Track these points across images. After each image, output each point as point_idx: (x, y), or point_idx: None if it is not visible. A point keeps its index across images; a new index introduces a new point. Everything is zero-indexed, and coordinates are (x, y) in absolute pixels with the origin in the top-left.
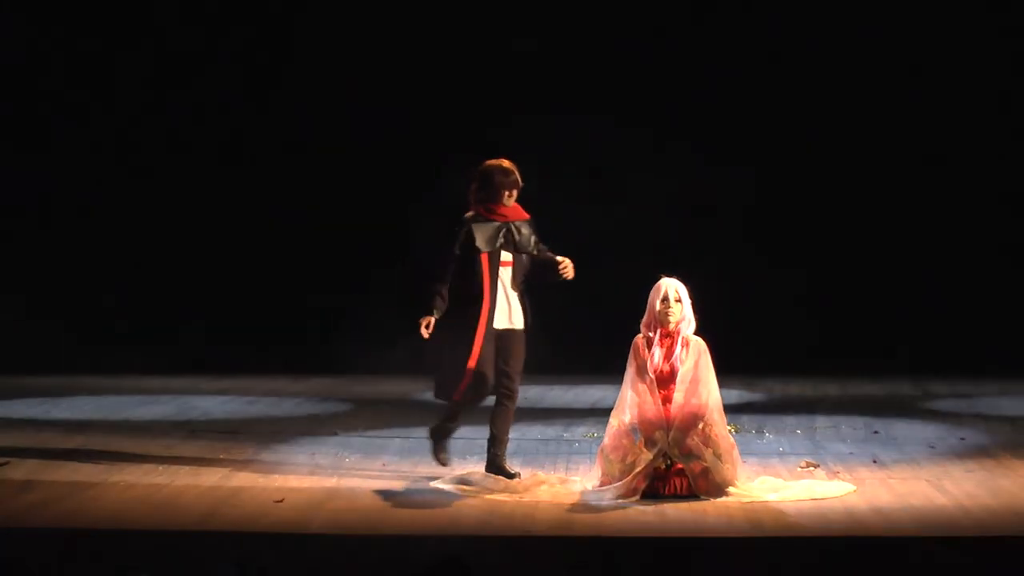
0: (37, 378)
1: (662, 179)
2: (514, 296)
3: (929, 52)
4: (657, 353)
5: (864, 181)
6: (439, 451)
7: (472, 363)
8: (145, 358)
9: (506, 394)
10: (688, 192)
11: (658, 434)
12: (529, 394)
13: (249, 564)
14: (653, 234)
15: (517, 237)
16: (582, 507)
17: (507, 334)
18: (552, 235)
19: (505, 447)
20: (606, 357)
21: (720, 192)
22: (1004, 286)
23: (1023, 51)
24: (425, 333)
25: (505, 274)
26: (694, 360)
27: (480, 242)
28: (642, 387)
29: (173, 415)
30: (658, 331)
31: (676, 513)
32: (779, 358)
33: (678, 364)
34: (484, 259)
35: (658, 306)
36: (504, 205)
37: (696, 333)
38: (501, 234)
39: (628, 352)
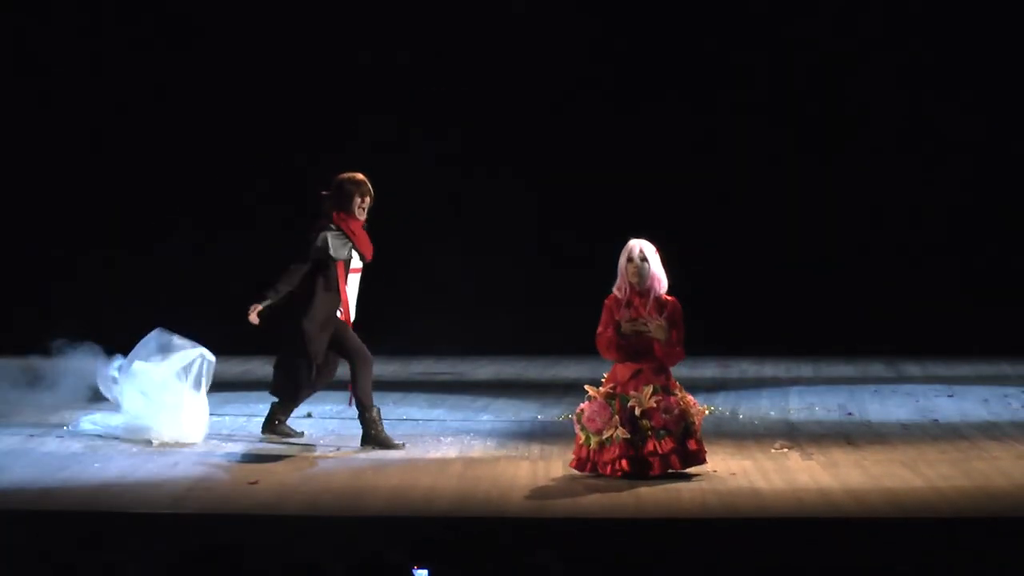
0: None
1: (638, 146)
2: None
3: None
4: (627, 316)
5: (843, 157)
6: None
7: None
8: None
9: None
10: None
11: (632, 395)
12: (505, 373)
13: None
14: (625, 206)
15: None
16: (557, 488)
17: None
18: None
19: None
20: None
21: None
22: (978, 268)
23: None
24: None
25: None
26: (668, 320)
27: (334, 252)
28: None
29: None
30: (629, 294)
31: (651, 494)
32: (753, 339)
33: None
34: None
35: (625, 265)
36: (356, 218)
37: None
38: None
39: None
